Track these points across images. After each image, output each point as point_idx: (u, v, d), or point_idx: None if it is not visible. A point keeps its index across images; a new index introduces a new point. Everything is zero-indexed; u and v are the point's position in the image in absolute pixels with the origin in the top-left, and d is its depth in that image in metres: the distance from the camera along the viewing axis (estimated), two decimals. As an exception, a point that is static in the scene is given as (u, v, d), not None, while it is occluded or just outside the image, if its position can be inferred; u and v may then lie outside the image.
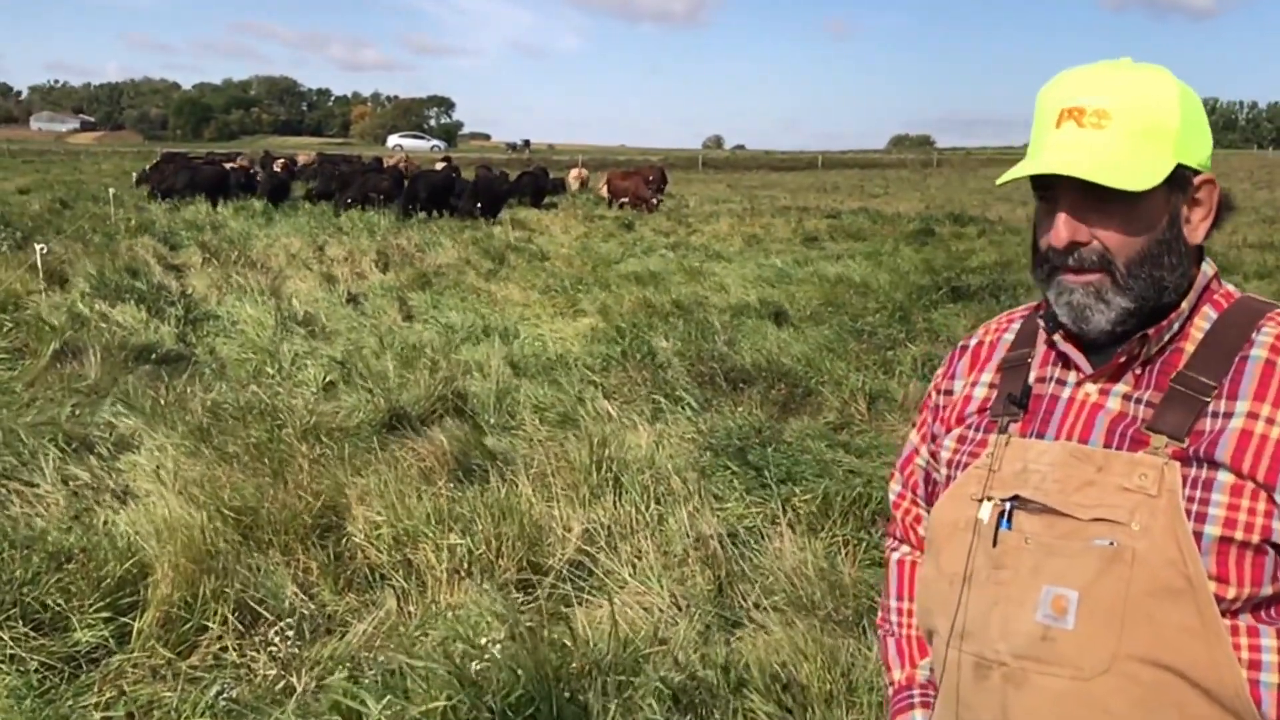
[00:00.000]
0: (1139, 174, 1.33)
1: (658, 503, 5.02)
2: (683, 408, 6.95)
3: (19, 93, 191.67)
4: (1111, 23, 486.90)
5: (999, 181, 1.46)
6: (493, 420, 6.90)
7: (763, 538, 4.78)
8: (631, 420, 6.48)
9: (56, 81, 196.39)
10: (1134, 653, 1.30)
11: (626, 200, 26.84)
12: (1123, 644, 1.31)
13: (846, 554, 4.62)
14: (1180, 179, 1.38)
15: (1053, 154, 1.37)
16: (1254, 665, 1.31)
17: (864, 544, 4.71)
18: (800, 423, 6.86)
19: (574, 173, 34.72)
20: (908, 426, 6.84)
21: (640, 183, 27.63)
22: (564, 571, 4.49)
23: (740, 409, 7.01)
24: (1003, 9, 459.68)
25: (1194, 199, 1.42)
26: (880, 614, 1.81)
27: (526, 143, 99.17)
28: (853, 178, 51.33)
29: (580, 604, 4.26)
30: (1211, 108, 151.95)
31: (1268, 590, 1.32)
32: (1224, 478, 1.31)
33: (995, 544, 1.43)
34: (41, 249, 11.38)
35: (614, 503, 5.03)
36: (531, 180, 28.14)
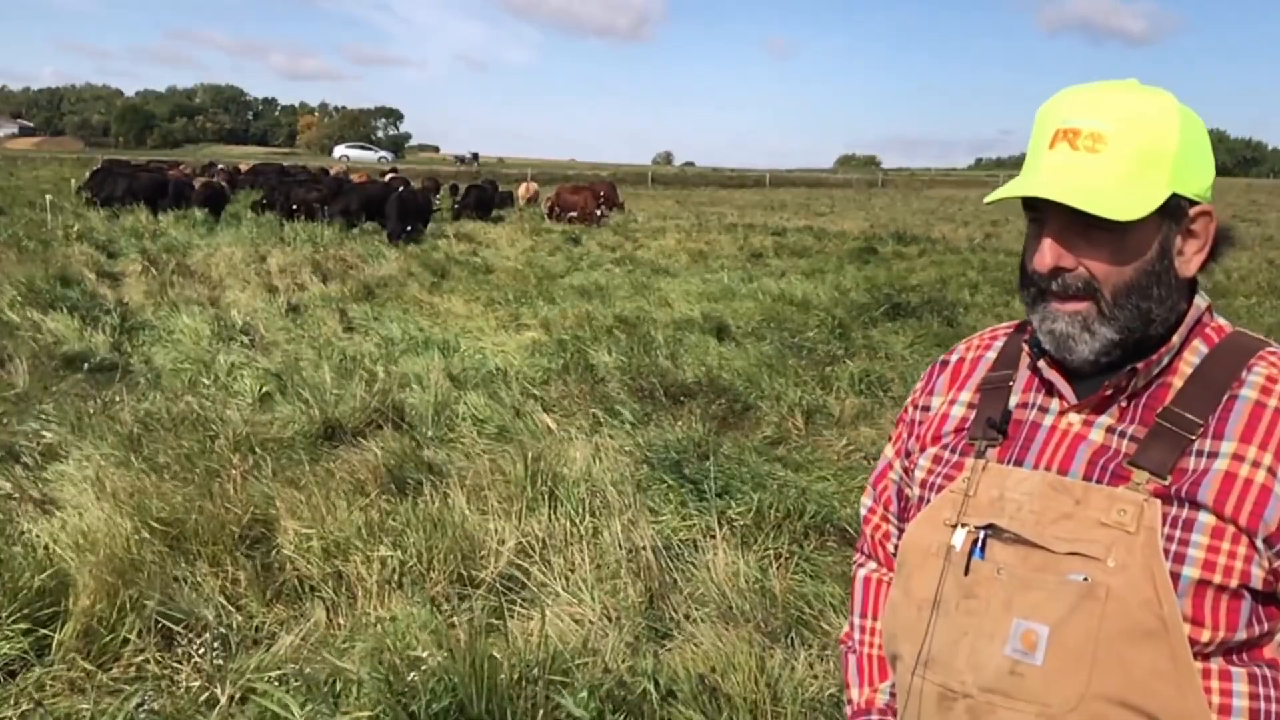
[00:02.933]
0: (1129, 203, 1.29)
1: (593, 515, 5.02)
2: (621, 422, 6.96)
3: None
4: (1047, 47, 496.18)
5: (987, 200, 1.43)
6: (430, 433, 6.86)
7: (696, 550, 4.80)
8: (569, 433, 6.48)
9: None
10: (1103, 692, 1.28)
11: (575, 215, 26.85)
12: (1092, 683, 1.28)
13: (779, 566, 4.65)
14: (1175, 209, 1.34)
15: (1042, 176, 1.33)
16: (1224, 710, 1.29)
17: (796, 557, 4.75)
18: (738, 437, 6.90)
19: (523, 187, 34.69)
20: (844, 442, 6.95)
21: (589, 197, 27.66)
22: (496, 584, 4.47)
23: (680, 423, 7.03)
24: (941, 33, 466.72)
25: (1189, 230, 1.37)
26: (845, 630, 1.78)
27: (475, 156, 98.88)
28: (799, 196, 51.84)
29: (512, 616, 4.25)
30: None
31: (1242, 635, 1.30)
32: (1205, 519, 1.28)
33: (967, 573, 1.39)
34: (-29, 255, 11.15)
35: (549, 515, 5.02)
36: (478, 194, 28.03)
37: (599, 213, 26.77)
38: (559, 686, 3.47)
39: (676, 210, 35.98)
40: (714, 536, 4.77)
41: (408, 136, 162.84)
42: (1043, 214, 1.36)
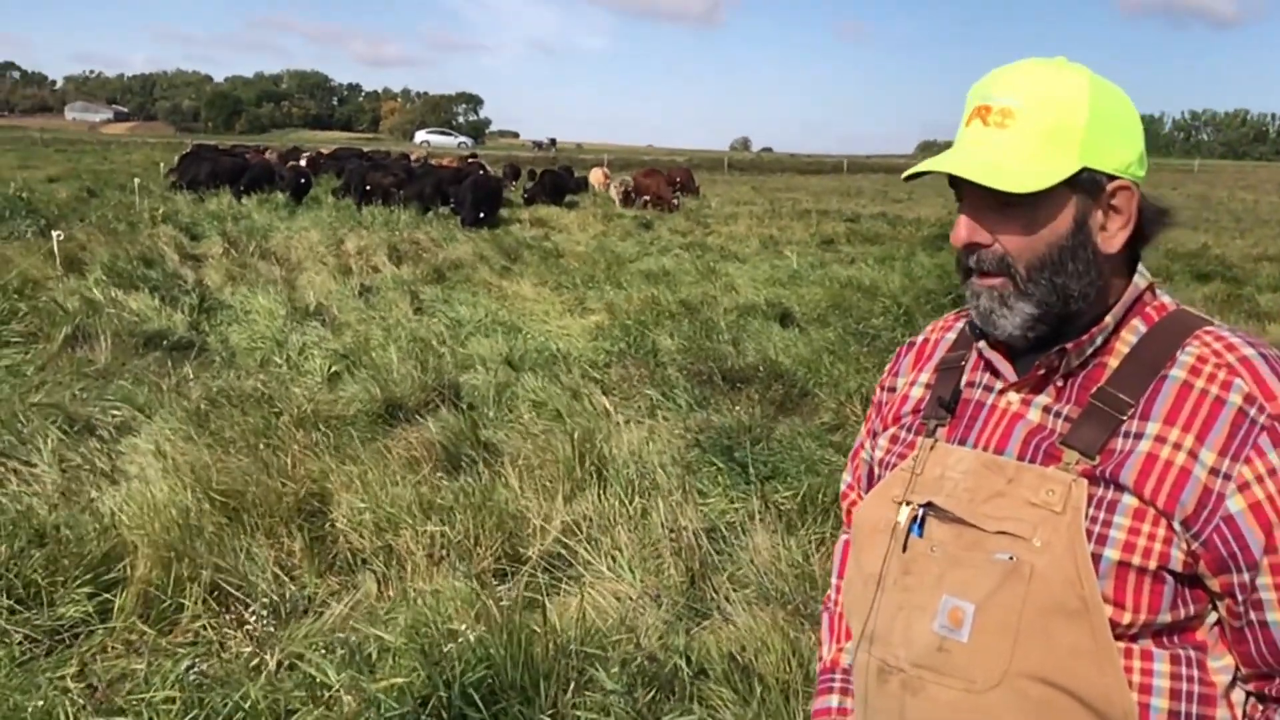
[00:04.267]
0: (1029, 176, 1.30)
1: (641, 496, 5.08)
2: (677, 405, 7.00)
3: (54, 82, 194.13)
4: (1126, 31, 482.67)
5: (904, 176, 1.45)
6: (491, 414, 6.98)
7: (741, 533, 4.83)
8: (625, 416, 6.55)
9: (91, 72, 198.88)
10: (1025, 670, 1.30)
11: (648, 199, 26.85)
12: (1015, 660, 1.30)
13: (823, 551, 4.66)
14: (1089, 183, 1.33)
15: (954, 153, 1.36)
16: (1145, 689, 1.30)
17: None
18: (794, 423, 6.90)
19: (597, 172, 34.76)
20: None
21: (662, 182, 27.65)
22: (541, 561, 4.56)
23: (736, 407, 7.06)
24: (1021, 16, 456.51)
25: (1110, 205, 1.36)
26: (827, 593, 1.83)
27: (553, 141, 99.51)
28: (877, 182, 51.19)
29: (556, 593, 4.33)
30: (1241, 120, 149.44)
31: (1166, 617, 1.30)
32: (1128, 501, 1.29)
33: (905, 549, 1.42)
34: (58, 235, 11.55)
35: (598, 495, 5.09)
36: (552, 179, 28.12)
37: (674, 200, 26.73)
38: (595, 661, 3.54)
39: (751, 196, 35.82)
40: (754, 520, 4.80)
41: (487, 122, 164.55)
42: (960, 190, 1.38)
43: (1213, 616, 1.35)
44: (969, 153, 1.34)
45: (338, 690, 3.19)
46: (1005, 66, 1.39)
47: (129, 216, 17.96)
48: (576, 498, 5.09)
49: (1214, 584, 1.30)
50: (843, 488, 1.81)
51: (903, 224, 23.07)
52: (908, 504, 1.44)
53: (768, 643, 3.68)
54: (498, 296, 12.03)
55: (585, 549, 4.59)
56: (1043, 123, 1.32)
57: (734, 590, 4.25)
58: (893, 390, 1.66)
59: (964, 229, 1.38)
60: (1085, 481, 1.31)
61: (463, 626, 3.46)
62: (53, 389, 7.04)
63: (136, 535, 4.24)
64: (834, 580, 1.79)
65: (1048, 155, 1.32)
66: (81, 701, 3.15)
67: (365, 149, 48.16)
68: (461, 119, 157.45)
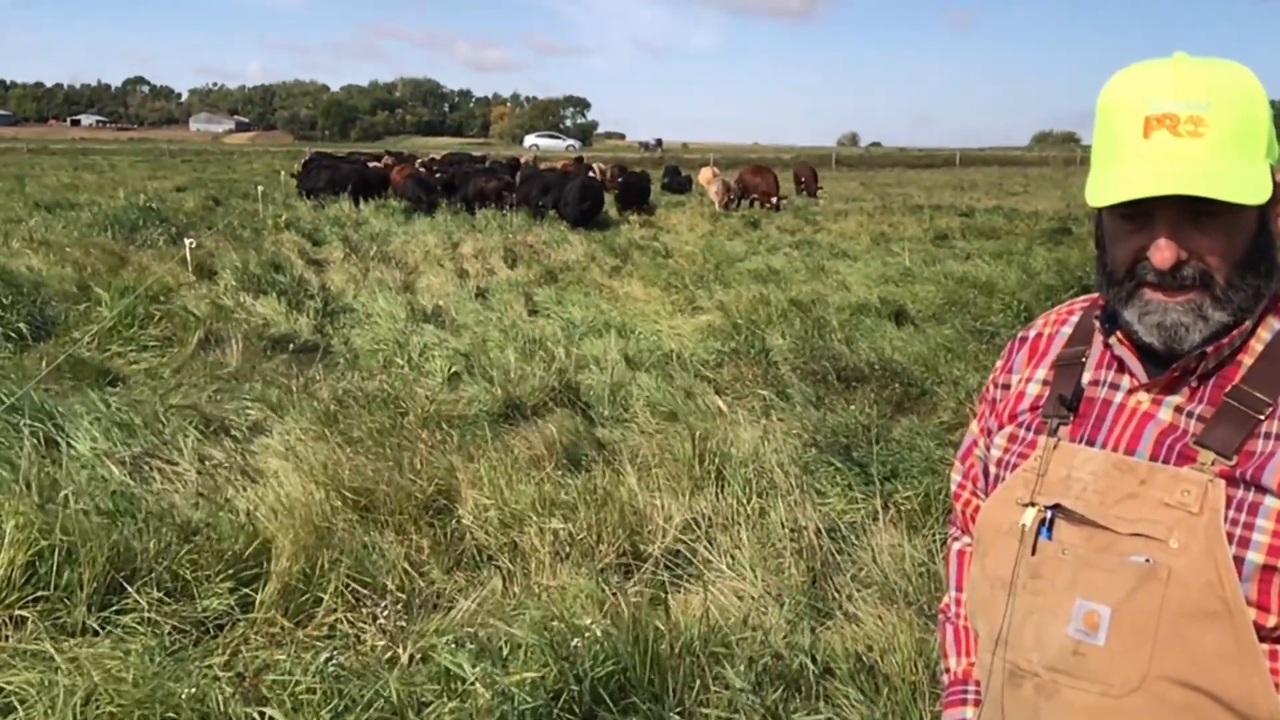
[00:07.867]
0: (1254, 184, 1.26)
1: (760, 496, 5.08)
2: (792, 404, 6.98)
3: (179, 95, 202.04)
4: (1255, 13, 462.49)
5: (1101, 204, 1.33)
6: (606, 413, 7.06)
7: (862, 533, 4.80)
8: (739, 415, 6.56)
9: (214, 84, 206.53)
10: (1165, 673, 1.28)
11: (757, 197, 26.67)
12: (1154, 664, 1.28)
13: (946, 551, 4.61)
14: (1273, 179, 1.31)
15: (1154, 168, 1.27)
16: None
17: (964, 542, 4.70)
18: (912, 422, 6.82)
19: (706, 171, 34.60)
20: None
21: (770, 179, 27.38)
22: (662, 559, 4.60)
23: (852, 407, 7.00)
24: None
25: (1276, 198, 1.33)
26: (944, 601, 1.80)
27: (659, 142, 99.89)
28: (992, 175, 50.17)
29: (677, 590, 4.37)
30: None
31: None
32: (1271, 503, 1.26)
33: (1034, 552, 1.40)
34: (190, 244, 12.03)
35: (716, 494, 5.12)
36: (635, 181, 27.22)
37: (775, 200, 26.35)
38: (719, 658, 3.57)
39: (860, 192, 35.42)
40: (879, 520, 4.76)
41: (595, 124, 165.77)
42: (1147, 209, 1.31)
43: None
44: (1174, 166, 1.27)
45: (472, 683, 3.27)
46: (1146, 69, 1.33)
47: (253, 224, 18.59)
48: (695, 496, 5.11)
49: None
50: (953, 488, 1.78)
51: (1019, 217, 22.56)
52: (1033, 505, 1.42)
53: (894, 643, 3.66)
54: (609, 297, 12.15)
55: (705, 547, 4.62)
56: (1233, 125, 1.28)
57: (857, 590, 4.23)
58: (1007, 387, 1.62)
59: (1170, 251, 1.30)
60: (1223, 482, 1.28)
61: (589, 622, 3.52)
62: (188, 391, 7.34)
63: (274, 531, 4.41)
64: (952, 592, 1.77)
65: (1249, 157, 1.29)
66: (230, 690, 3.29)
67: (476, 153, 48.94)
68: (569, 122, 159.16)
